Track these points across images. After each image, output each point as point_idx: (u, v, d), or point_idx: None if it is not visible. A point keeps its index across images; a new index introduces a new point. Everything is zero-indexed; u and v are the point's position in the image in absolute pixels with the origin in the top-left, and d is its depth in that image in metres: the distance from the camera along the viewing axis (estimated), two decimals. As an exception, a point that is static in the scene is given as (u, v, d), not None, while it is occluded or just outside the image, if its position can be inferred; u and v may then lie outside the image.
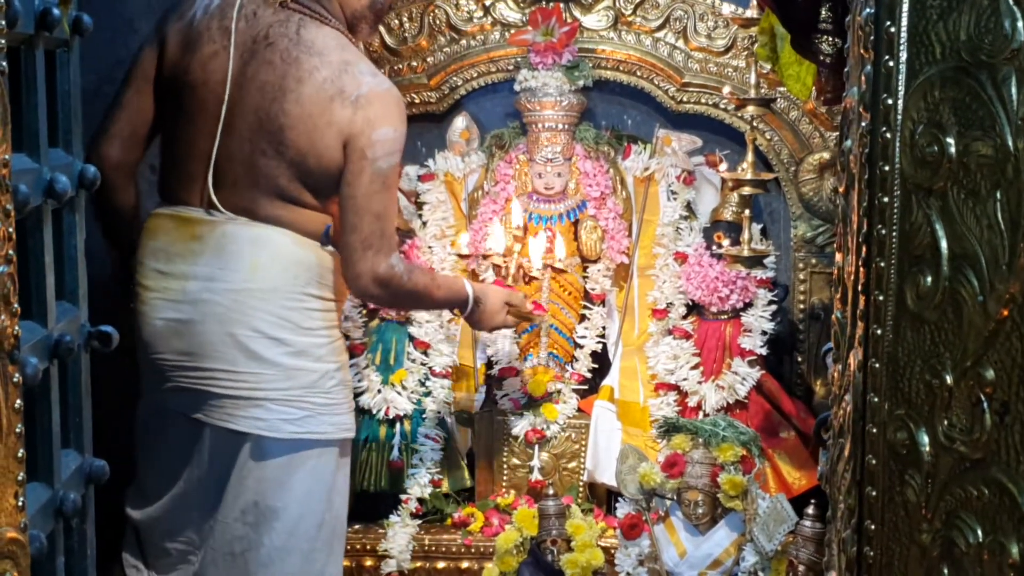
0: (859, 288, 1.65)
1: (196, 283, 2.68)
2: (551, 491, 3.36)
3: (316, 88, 2.66)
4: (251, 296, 2.67)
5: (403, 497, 3.49)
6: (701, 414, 3.45)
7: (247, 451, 2.71)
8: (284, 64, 2.67)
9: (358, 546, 3.40)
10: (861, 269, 1.64)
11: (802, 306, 3.64)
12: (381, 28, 3.62)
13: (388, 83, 2.76)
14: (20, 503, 1.67)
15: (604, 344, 3.63)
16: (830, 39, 2.30)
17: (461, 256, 3.54)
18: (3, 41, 1.62)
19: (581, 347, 3.61)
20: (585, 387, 3.60)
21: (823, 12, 2.29)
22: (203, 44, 2.72)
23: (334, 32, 2.75)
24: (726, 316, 3.52)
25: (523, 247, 3.38)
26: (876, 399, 1.62)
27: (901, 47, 1.56)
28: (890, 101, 1.57)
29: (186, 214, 2.73)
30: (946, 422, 1.55)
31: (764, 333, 3.50)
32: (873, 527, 1.65)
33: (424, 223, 3.59)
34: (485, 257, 3.44)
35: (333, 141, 2.67)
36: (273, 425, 2.70)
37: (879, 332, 1.61)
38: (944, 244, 1.53)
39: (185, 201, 2.74)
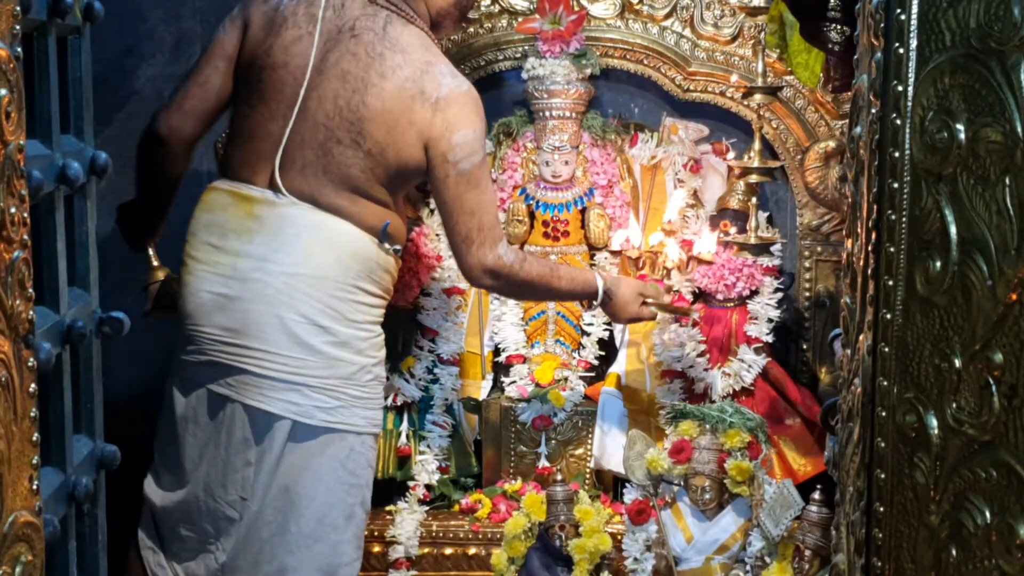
0: (869, 273, 1.66)
1: (249, 261, 2.70)
2: (559, 477, 3.38)
3: (398, 86, 2.69)
4: (302, 281, 2.69)
5: (411, 484, 3.50)
6: (708, 401, 3.46)
7: (282, 436, 2.72)
8: (368, 57, 2.71)
9: (366, 532, 3.40)
10: (871, 254, 1.65)
11: (808, 294, 3.65)
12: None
13: (467, 84, 2.79)
14: (35, 487, 1.68)
15: (611, 331, 3.64)
16: (839, 27, 2.31)
17: (613, 253, 3.55)
18: (17, 28, 1.63)
19: (588, 334, 3.62)
20: (592, 374, 3.61)
21: (832, 0, 2.29)
22: (288, 28, 2.76)
23: (418, 31, 2.79)
24: (732, 304, 3.53)
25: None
26: (885, 383, 1.63)
27: (911, 35, 1.57)
28: (900, 88, 1.58)
29: (247, 192, 2.75)
30: (955, 405, 1.56)
31: (770, 320, 3.51)
32: (882, 509, 1.66)
33: (432, 211, 3.60)
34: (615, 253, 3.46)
35: (413, 140, 2.71)
36: (307, 411, 2.72)
37: (888, 316, 1.62)
38: (953, 229, 1.54)
39: (248, 179, 2.76)
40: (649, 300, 3.11)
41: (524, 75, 3.55)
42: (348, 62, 2.71)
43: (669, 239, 3.42)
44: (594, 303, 3.13)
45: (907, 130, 1.58)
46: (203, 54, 2.91)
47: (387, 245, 2.78)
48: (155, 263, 3.05)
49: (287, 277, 2.68)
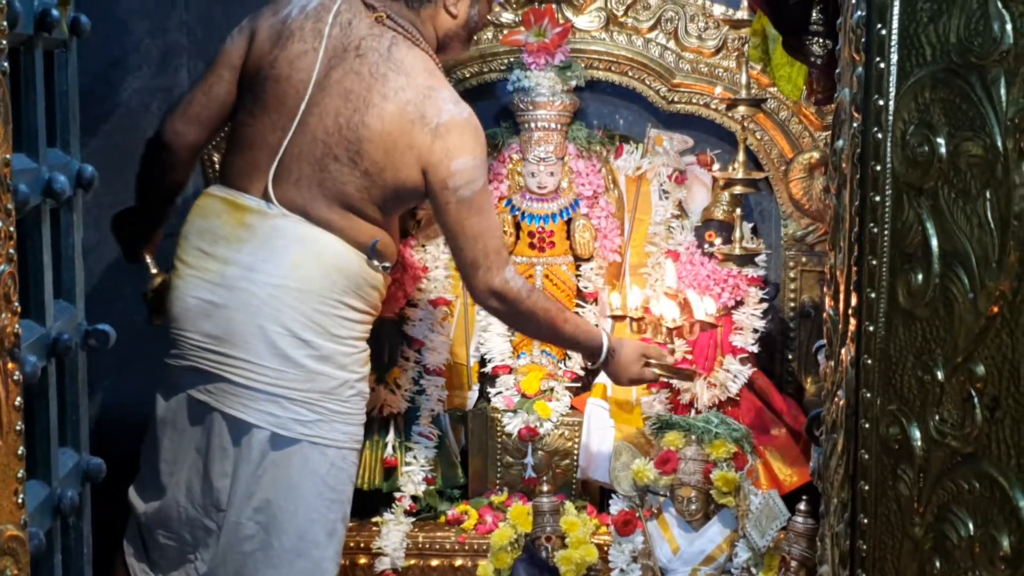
0: (851, 285, 1.66)
1: (236, 269, 2.70)
2: (545, 488, 3.38)
3: (399, 108, 2.70)
4: (287, 293, 2.69)
5: (397, 495, 3.50)
6: (693, 411, 3.46)
7: (260, 447, 2.72)
8: (371, 77, 2.72)
9: (352, 544, 3.41)
10: (853, 267, 1.66)
11: (793, 304, 3.66)
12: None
13: (468, 111, 2.80)
14: (20, 500, 1.68)
15: (596, 342, 3.64)
16: (821, 41, 2.32)
17: (615, 318, 3.52)
18: (3, 42, 1.63)
19: (574, 345, 3.63)
20: (578, 385, 3.62)
21: (814, 14, 2.30)
22: (294, 42, 2.78)
23: (423, 55, 2.81)
24: (718, 314, 3.54)
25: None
26: (869, 395, 1.64)
27: (892, 49, 1.58)
28: (881, 102, 1.59)
29: (240, 200, 2.76)
30: (938, 417, 1.57)
31: (755, 331, 3.52)
32: (866, 521, 1.66)
33: (418, 223, 3.60)
34: (617, 318, 3.45)
35: (412, 163, 2.72)
36: (285, 423, 2.72)
37: (871, 329, 1.63)
38: (935, 242, 1.55)
39: (243, 188, 2.77)
40: (652, 361, 3.11)
41: (509, 87, 3.56)
42: (351, 80, 2.73)
43: (670, 302, 3.42)
44: (594, 362, 3.11)
45: (888, 144, 1.59)
46: (210, 64, 2.94)
47: (375, 262, 2.78)
48: (153, 270, 3.05)
49: (272, 288, 2.69)
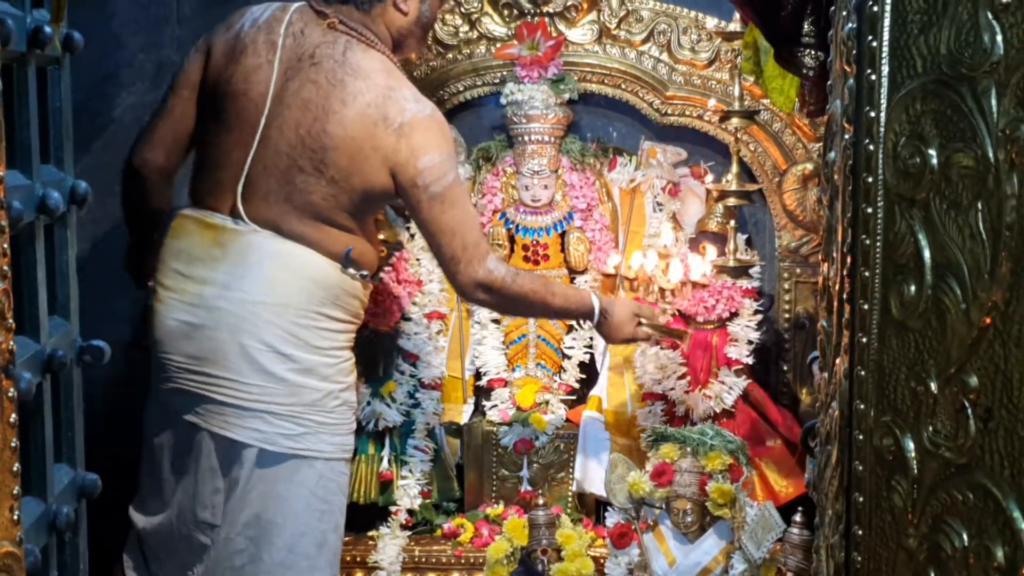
0: (844, 297, 1.67)
1: (213, 289, 2.70)
2: (540, 501, 3.38)
3: (360, 112, 2.68)
4: (264, 309, 2.68)
5: (392, 508, 3.50)
6: (688, 423, 3.47)
7: (250, 463, 2.72)
8: (329, 85, 2.70)
9: (348, 558, 3.41)
10: (846, 278, 1.66)
11: (787, 315, 3.66)
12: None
13: (430, 108, 2.78)
14: (16, 517, 1.68)
15: (592, 354, 3.65)
16: (813, 53, 2.32)
17: (606, 275, 3.55)
18: (-3, 59, 1.64)
19: (569, 357, 3.63)
20: (573, 397, 3.62)
21: (806, 26, 2.31)
22: (248, 56, 2.75)
23: (380, 56, 2.78)
24: (712, 326, 3.54)
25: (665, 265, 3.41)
26: (862, 406, 1.64)
27: (883, 61, 1.58)
28: (873, 114, 1.59)
29: (211, 220, 2.75)
30: (931, 428, 1.57)
31: (750, 342, 3.52)
32: (861, 532, 1.66)
33: (412, 235, 3.61)
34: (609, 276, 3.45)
35: (378, 165, 2.70)
36: (271, 438, 2.71)
37: (864, 340, 1.63)
38: (927, 253, 1.55)
39: (213, 207, 2.76)
40: (644, 321, 3.10)
41: (503, 100, 3.57)
42: (309, 90, 2.71)
43: (665, 260, 3.42)
44: (588, 323, 3.11)
45: (880, 155, 1.59)
46: (170, 86, 2.91)
47: (352, 270, 2.77)
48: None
49: (249, 305, 2.68)
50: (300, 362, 2.71)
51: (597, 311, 3.01)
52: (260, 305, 2.68)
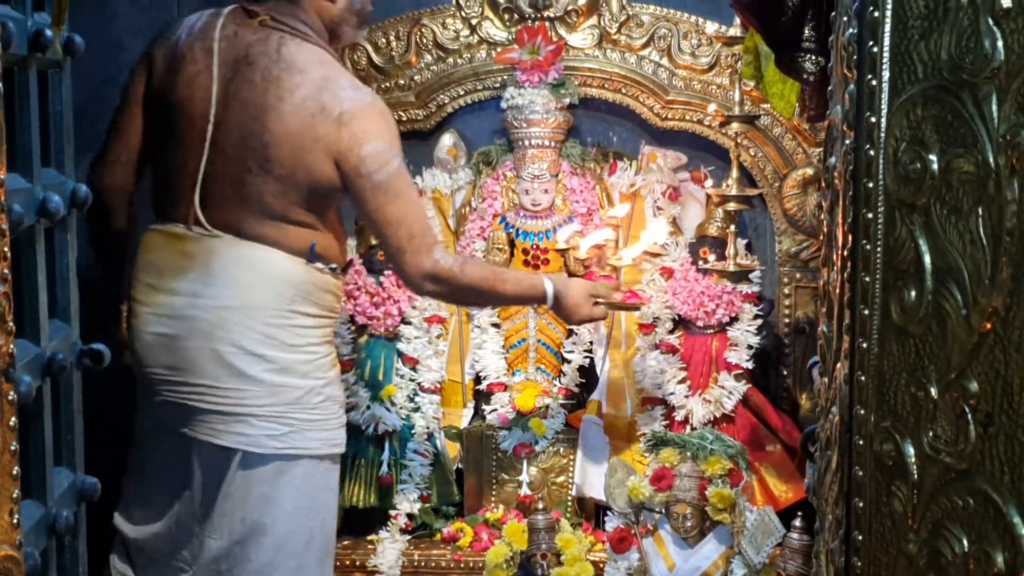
0: (845, 302, 1.67)
1: (183, 299, 2.69)
2: (540, 505, 3.38)
3: (297, 105, 2.66)
4: (235, 313, 2.68)
5: (392, 512, 3.50)
6: (688, 428, 3.47)
7: (235, 467, 2.72)
8: (265, 83, 2.68)
9: (347, 562, 3.41)
10: (846, 284, 1.66)
11: (787, 320, 3.66)
12: (368, 46, 3.64)
13: (370, 95, 2.76)
14: (15, 520, 1.68)
15: (591, 358, 3.65)
16: (813, 58, 2.32)
17: (559, 251, 3.54)
18: (-2, 63, 1.64)
19: (569, 362, 3.63)
20: (573, 402, 3.62)
21: (806, 31, 2.31)
22: (187, 64, 2.73)
23: (314, 48, 2.75)
24: (712, 330, 3.54)
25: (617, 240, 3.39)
26: (862, 411, 1.64)
27: (884, 66, 1.58)
28: (873, 119, 1.60)
29: (175, 230, 2.74)
30: (931, 433, 1.57)
31: (750, 347, 3.52)
32: (861, 538, 1.66)
33: (411, 239, 3.60)
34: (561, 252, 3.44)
35: (322, 157, 2.67)
36: (257, 441, 2.71)
37: (865, 345, 1.63)
38: (928, 259, 1.55)
39: (175, 218, 2.75)
40: (600, 300, 3.05)
41: (503, 104, 3.58)
42: (247, 90, 2.69)
43: (613, 232, 3.39)
44: (543, 307, 3.07)
45: (881, 161, 1.59)
46: (119, 104, 2.88)
47: (320, 264, 2.76)
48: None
49: (219, 310, 2.68)
50: (276, 362, 2.70)
51: (551, 295, 2.97)
52: (229, 310, 2.68)
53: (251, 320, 2.68)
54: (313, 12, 2.79)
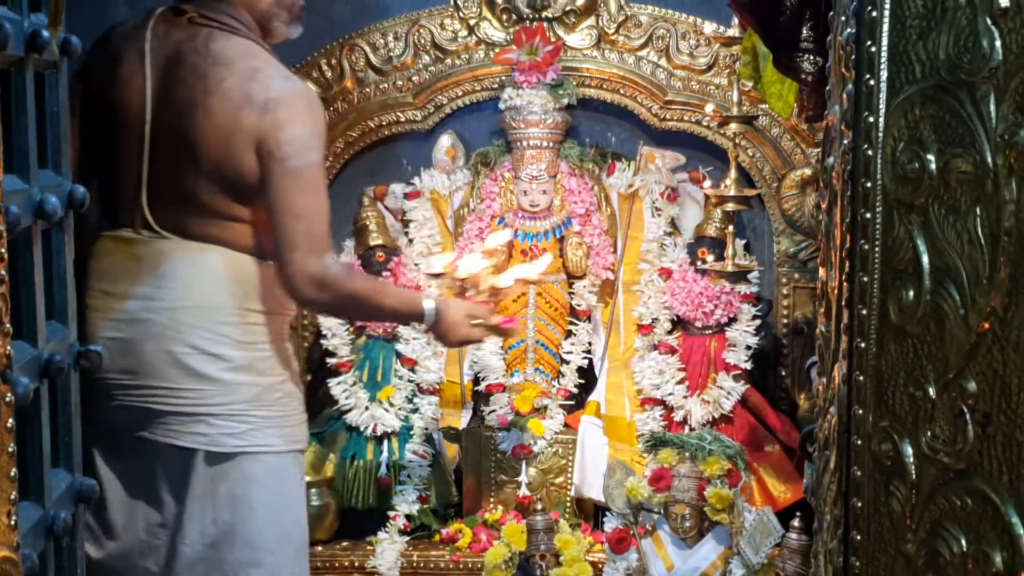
0: (843, 302, 1.67)
1: (135, 302, 2.68)
2: (539, 506, 3.38)
3: (223, 97, 2.62)
4: (186, 314, 2.66)
5: (391, 514, 3.50)
6: (687, 428, 3.46)
7: (198, 468, 2.70)
8: (193, 79, 2.64)
9: (346, 563, 3.41)
10: (845, 284, 1.66)
11: (786, 320, 3.66)
12: (366, 47, 3.64)
13: (301, 85, 2.73)
14: (13, 522, 1.68)
15: (590, 359, 3.65)
16: (811, 58, 2.32)
17: (433, 275, 3.50)
18: (-6, 63, 1.64)
19: (567, 363, 3.63)
20: (572, 402, 3.62)
21: (804, 31, 2.31)
22: (121, 67, 2.71)
23: (243, 41, 2.71)
24: (711, 331, 3.54)
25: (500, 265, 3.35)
26: (861, 411, 1.64)
27: (882, 66, 1.58)
28: (871, 119, 1.59)
29: (125, 235, 2.73)
30: (929, 433, 1.57)
31: (748, 347, 3.52)
32: (859, 538, 1.66)
33: (410, 240, 3.61)
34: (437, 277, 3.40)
35: (245, 147, 2.62)
36: (216, 439, 2.69)
37: (863, 345, 1.63)
38: (926, 259, 1.55)
39: (124, 223, 2.73)
40: (478, 322, 2.98)
41: (501, 105, 3.58)
42: (178, 89, 2.65)
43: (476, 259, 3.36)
44: (420, 325, 3.02)
45: (879, 160, 1.59)
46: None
47: (271, 262, 2.72)
48: None
49: (171, 312, 2.66)
50: (231, 360, 2.69)
51: (430, 313, 2.90)
52: (181, 310, 2.67)
53: (204, 320, 2.67)
54: (242, 7, 2.75)
